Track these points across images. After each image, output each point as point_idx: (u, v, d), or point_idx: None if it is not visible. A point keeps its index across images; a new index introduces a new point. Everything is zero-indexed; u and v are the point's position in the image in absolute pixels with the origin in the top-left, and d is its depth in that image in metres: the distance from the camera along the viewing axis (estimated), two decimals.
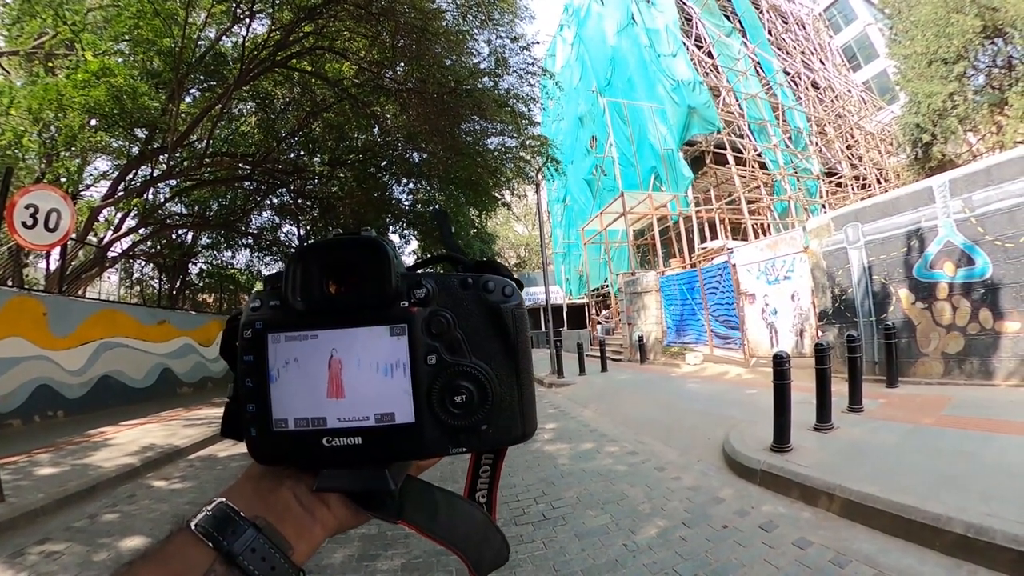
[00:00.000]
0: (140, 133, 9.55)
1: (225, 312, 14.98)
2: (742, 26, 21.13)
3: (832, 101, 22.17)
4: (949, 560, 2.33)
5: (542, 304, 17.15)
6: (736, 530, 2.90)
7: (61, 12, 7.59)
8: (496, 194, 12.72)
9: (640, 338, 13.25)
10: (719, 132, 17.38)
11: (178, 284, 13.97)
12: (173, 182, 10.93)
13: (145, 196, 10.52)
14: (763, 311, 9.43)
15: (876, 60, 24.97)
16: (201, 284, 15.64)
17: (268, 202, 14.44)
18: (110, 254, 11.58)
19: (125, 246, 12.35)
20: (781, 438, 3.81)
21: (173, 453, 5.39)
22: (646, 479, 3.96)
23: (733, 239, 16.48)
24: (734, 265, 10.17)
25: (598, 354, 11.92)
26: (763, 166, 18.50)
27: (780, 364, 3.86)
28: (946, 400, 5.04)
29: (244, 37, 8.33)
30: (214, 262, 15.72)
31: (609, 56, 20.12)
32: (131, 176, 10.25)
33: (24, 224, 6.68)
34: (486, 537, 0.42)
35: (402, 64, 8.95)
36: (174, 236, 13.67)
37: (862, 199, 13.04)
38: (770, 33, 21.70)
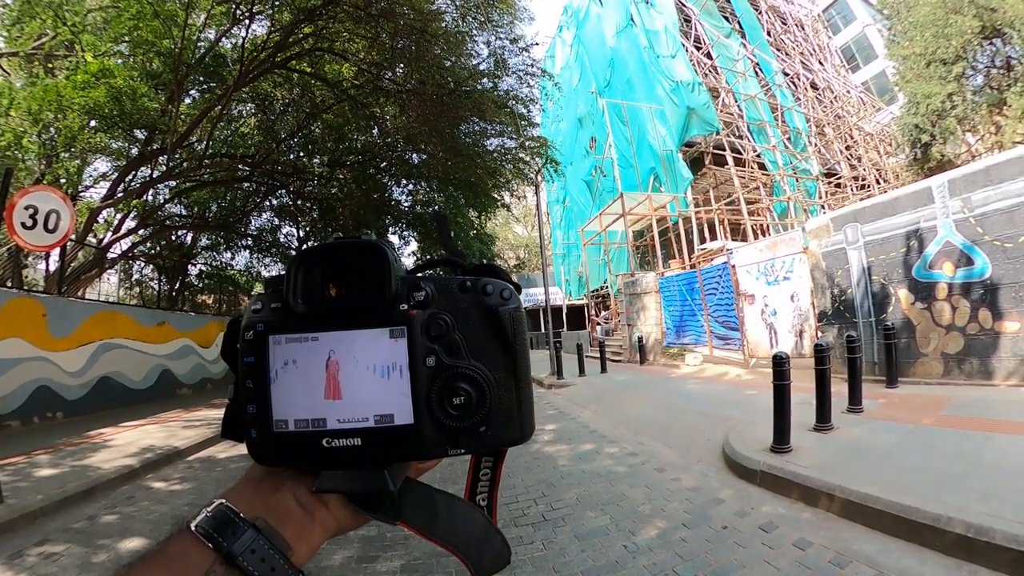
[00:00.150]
0: (140, 134, 9.55)
1: (225, 313, 14.97)
2: (741, 27, 21.17)
3: (831, 102, 22.20)
4: (949, 560, 2.33)
5: (541, 305, 17.17)
6: (736, 531, 2.90)
7: (61, 13, 7.59)
8: (495, 195, 12.72)
9: (640, 339, 13.25)
10: (718, 133, 17.40)
11: (177, 285, 13.96)
12: (172, 183, 10.92)
13: (144, 197, 10.51)
14: (762, 312, 9.43)
15: (875, 61, 25.03)
16: (200, 285, 15.62)
17: (267, 203, 14.45)
18: (109, 255, 11.58)
19: (124, 247, 12.36)
20: (781, 439, 3.81)
21: (172, 454, 5.38)
22: (646, 480, 3.96)
23: (732, 240, 16.48)
24: (733, 266, 10.17)
25: (597, 355, 11.92)
26: (762, 167, 18.52)
27: (780, 365, 3.86)
28: (946, 400, 5.04)
29: (243, 38, 8.33)
30: (213, 263, 15.72)
31: (608, 57, 20.15)
32: (130, 177, 10.25)
33: (24, 225, 6.68)
34: (486, 539, 0.42)
35: (401, 65, 8.96)
36: (173, 237, 13.66)
37: (861, 200, 13.06)
38: (769, 34, 21.74)
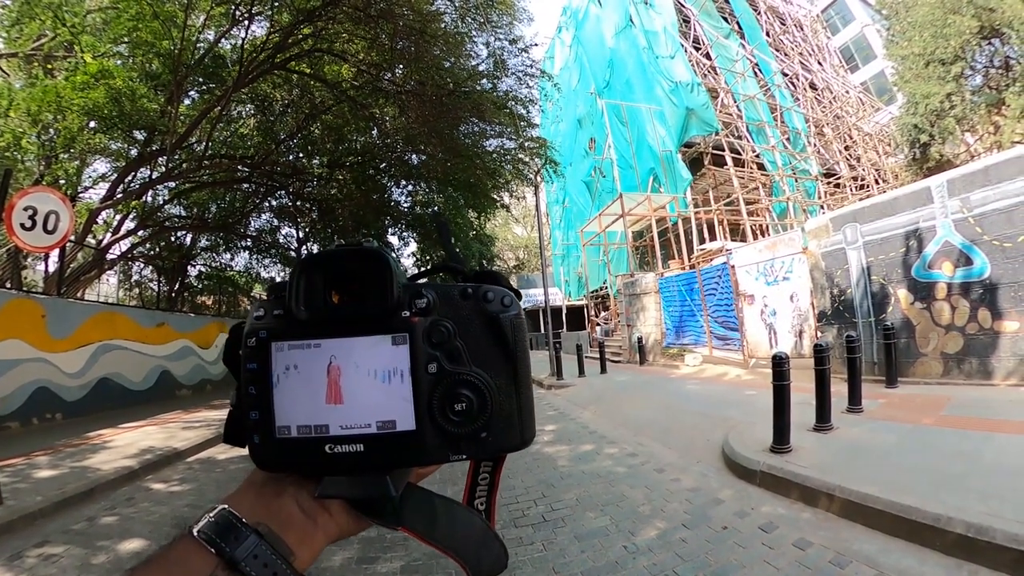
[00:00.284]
0: (139, 135, 9.55)
1: (224, 314, 14.96)
2: (740, 28, 21.20)
3: (830, 102, 22.23)
4: (950, 560, 2.33)
5: (541, 306, 17.16)
6: (736, 531, 2.90)
7: (60, 14, 7.59)
8: (495, 196, 12.73)
9: (639, 339, 13.25)
10: (717, 133, 17.42)
11: (177, 286, 13.95)
12: (172, 184, 10.92)
13: (144, 198, 10.51)
14: (762, 312, 9.44)
15: (874, 61, 25.07)
16: (200, 286, 15.61)
17: (267, 204, 14.46)
18: (109, 256, 11.56)
19: (124, 248, 12.35)
20: (781, 439, 3.81)
21: (172, 456, 5.37)
22: (646, 481, 3.96)
23: (732, 240, 16.49)
24: (733, 266, 10.18)
25: (597, 356, 11.92)
26: (761, 167, 18.54)
27: (779, 365, 3.86)
28: (945, 400, 5.04)
29: (243, 39, 8.34)
30: (213, 264, 15.72)
31: (607, 58, 20.17)
32: (130, 178, 10.25)
33: (23, 226, 6.67)
34: (485, 543, 0.42)
35: (401, 66, 8.96)
36: (173, 238, 13.65)
37: (860, 200, 13.07)
38: (768, 34, 21.76)
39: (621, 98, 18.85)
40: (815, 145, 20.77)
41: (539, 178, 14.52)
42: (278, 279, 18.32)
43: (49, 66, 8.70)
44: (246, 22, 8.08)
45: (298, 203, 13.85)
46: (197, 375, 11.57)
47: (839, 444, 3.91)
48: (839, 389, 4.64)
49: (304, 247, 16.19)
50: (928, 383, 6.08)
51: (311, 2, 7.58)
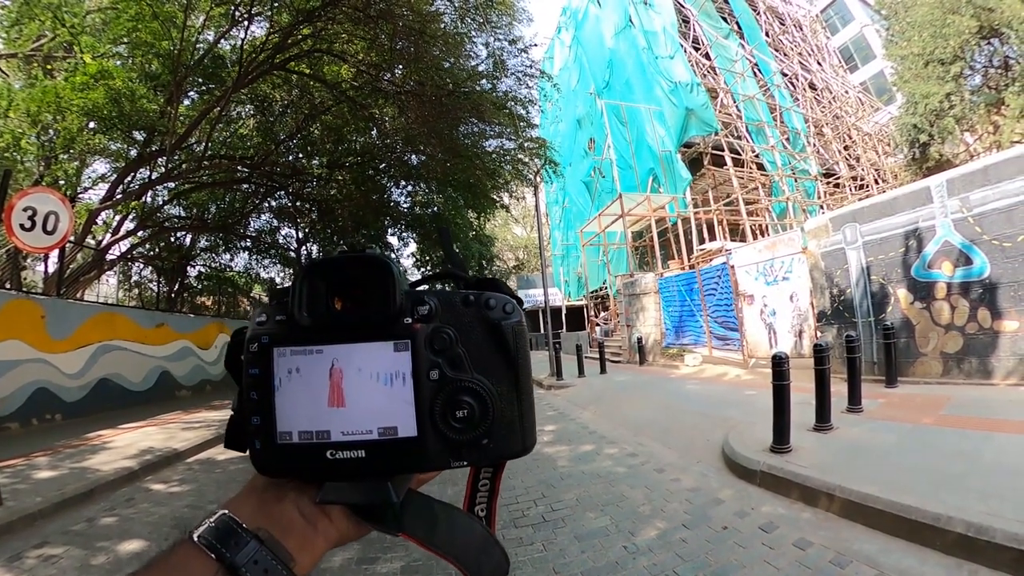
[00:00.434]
0: (138, 136, 9.55)
1: (224, 315, 14.95)
2: (739, 28, 21.22)
3: (829, 102, 22.25)
4: (950, 560, 2.33)
5: (541, 306, 17.16)
6: (736, 531, 2.90)
7: (60, 15, 7.59)
8: (494, 196, 12.73)
9: (639, 340, 13.25)
10: (717, 134, 17.43)
11: (176, 287, 13.94)
12: (171, 185, 10.91)
13: (143, 199, 10.51)
14: (762, 312, 9.44)
15: (873, 61, 25.09)
16: (200, 287, 15.60)
17: (266, 205, 14.45)
18: (108, 257, 11.55)
19: (123, 249, 12.34)
20: (780, 439, 3.81)
21: (172, 456, 5.37)
22: (646, 481, 3.96)
23: (731, 240, 16.50)
24: (732, 266, 10.18)
25: (597, 356, 11.91)
26: (761, 167, 18.55)
27: (779, 365, 3.86)
28: (945, 400, 5.05)
29: (242, 40, 8.33)
30: (212, 265, 15.70)
31: (607, 58, 20.18)
32: (129, 179, 10.25)
33: (22, 227, 6.66)
34: (485, 549, 0.43)
35: (400, 67, 8.96)
36: (172, 239, 13.65)
37: (860, 200, 13.08)
38: (767, 35, 21.78)
39: (620, 98, 18.86)
40: (814, 145, 20.79)
41: (539, 178, 14.52)
42: (277, 279, 18.26)
43: (49, 67, 8.70)
44: (246, 23, 8.08)
45: (298, 203, 13.84)
46: (197, 376, 11.57)
47: (839, 444, 3.91)
48: (839, 389, 4.64)
49: (304, 247, 16.19)
50: (928, 383, 6.08)
51: (311, 2, 7.58)
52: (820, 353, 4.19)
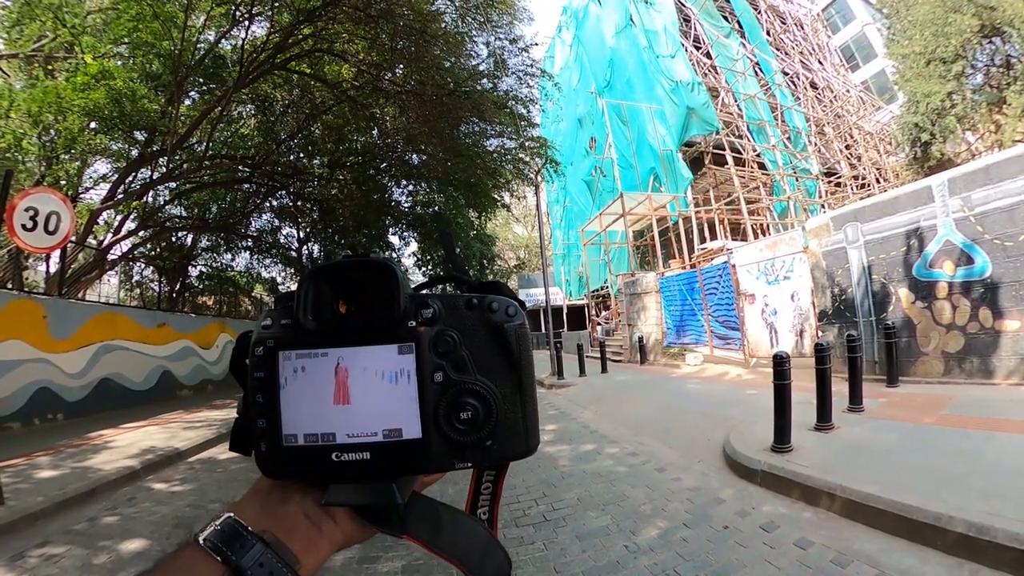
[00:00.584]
0: (139, 136, 9.55)
1: (225, 315, 14.96)
2: (740, 27, 21.18)
3: (831, 101, 22.20)
4: (951, 559, 2.33)
5: (542, 306, 17.17)
6: (737, 530, 2.90)
7: (61, 15, 7.60)
8: (495, 195, 12.72)
9: (640, 339, 13.25)
10: (718, 133, 17.41)
11: (178, 287, 13.94)
12: (173, 184, 10.92)
13: (144, 199, 10.51)
14: (763, 311, 9.43)
15: (874, 60, 25.04)
16: (201, 287, 15.61)
17: (268, 204, 14.45)
18: (110, 257, 11.56)
19: (125, 249, 12.34)
20: (781, 438, 3.81)
21: (173, 456, 5.38)
22: (647, 480, 3.96)
23: (732, 239, 16.48)
24: (734, 265, 10.17)
25: (598, 355, 11.92)
26: (762, 166, 18.52)
27: (780, 364, 3.86)
28: (946, 399, 5.04)
29: (243, 40, 8.33)
30: (214, 265, 15.71)
31: (608, 57, 20.16)
32: (131, 179, 10.25)
33: (24, 227, 6.67)
34: (488, 552, 0.43)
35: (401, 66, 8.96)
36: (174, 239, 13.65)
37: (861, 199, 13.06)
38: (768, 34, 21.74)
39: (621, 97, 18.84)
40: (816, 144, 20.75)
41: (539, 178, 14.53)
42: (279, 279, 18.26)
43: (50, 67, 8.70)
44: (246, 22, 8.07)
45: (299, 203, 13.85)
46: (198, 375, 11.58)
47: (840, 443, 3.91)
48: (840, 388, 4.63)
49: (305, 247, 16.21)
50: (929, 382, 6.07)
51: (311, 2, 7.58)
52: (821, 352, 4.19)
